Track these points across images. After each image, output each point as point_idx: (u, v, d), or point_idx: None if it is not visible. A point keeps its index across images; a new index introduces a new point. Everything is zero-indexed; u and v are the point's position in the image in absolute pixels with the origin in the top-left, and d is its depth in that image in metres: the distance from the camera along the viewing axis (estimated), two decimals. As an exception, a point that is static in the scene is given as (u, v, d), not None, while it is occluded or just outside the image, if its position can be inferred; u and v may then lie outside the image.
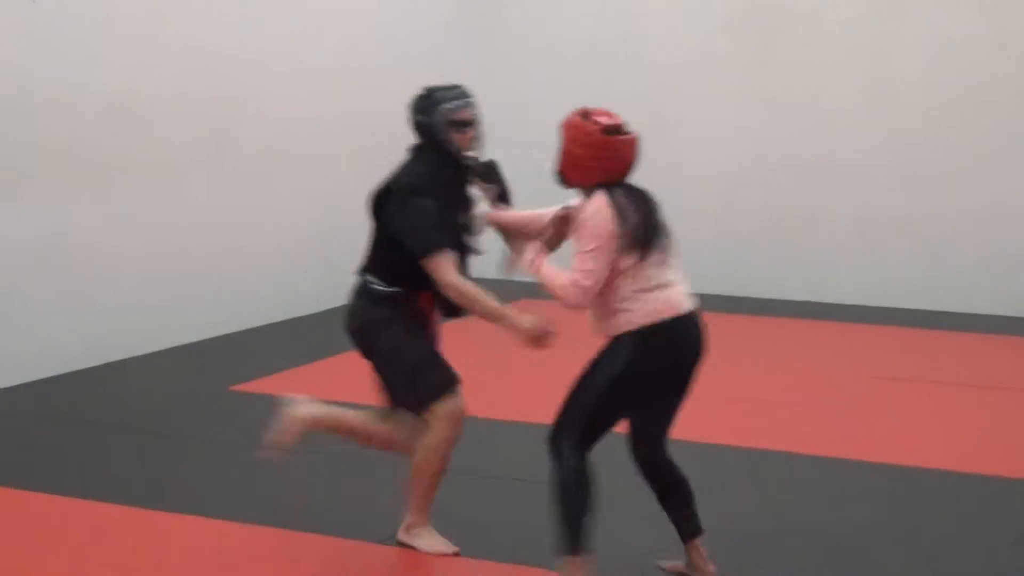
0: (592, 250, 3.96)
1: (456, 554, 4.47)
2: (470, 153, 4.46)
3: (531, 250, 4.18)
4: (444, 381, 4.37)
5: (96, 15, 7.47)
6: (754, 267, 10.30)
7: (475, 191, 4.53)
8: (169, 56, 8.04)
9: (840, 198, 10.08)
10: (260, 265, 8.97)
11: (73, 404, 6.67)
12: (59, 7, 7.21)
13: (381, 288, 4.39)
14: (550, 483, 4.07)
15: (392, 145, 11.16)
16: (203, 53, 8.31)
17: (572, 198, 4.19)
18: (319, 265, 9.52)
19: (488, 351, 8.17)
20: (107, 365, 7.48)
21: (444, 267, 4.26)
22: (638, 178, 4.17)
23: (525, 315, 4.23)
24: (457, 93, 4.45)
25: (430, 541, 4.49)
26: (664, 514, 4.29)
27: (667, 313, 3.97)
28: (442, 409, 4.34)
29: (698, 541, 4.26)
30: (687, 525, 4.25)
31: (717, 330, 9.17)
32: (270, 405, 6.63)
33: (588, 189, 4.05)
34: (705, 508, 4.73)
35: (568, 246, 4.16)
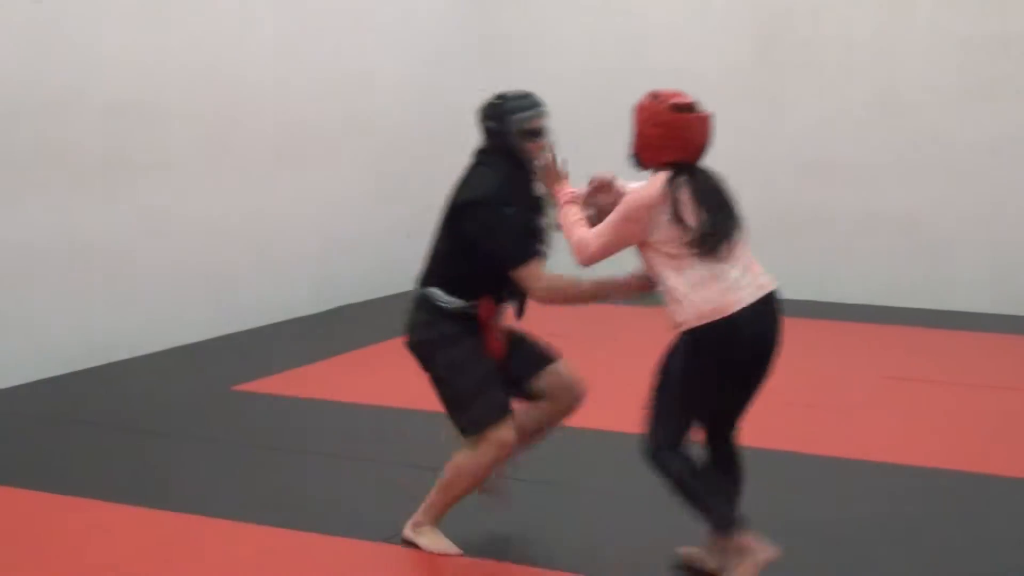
0: (616, 220, 4.00)
1: (460, 555, 4.46)
2: (540, 163, 4.41)
3: (574, 205, 4.19)
4: (496, 409, 4.33)
5: (97, 15, 7.47)
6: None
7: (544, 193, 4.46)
8: (170, 57, 8.03)
9: (841, 197, 10.08)
10: (261, 265, 8.97)
11: (74, 404, 6.66)
12: (61, 7, 7.21)
13: (444, 303, 4.36)
14: (669, 491, 4.08)
15: (391, 146, 11.25)
16: (204, 54, 8.31)
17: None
18: (319, 265, 9.52)
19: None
20: (108, 365, 7.48)
21: (536, 275, 4.23)
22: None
23: (617, 276, 4.24)
24: (529, 102, 4.42)
25: (434, 540, 4.48)
26: (663, 516, 4.29)
27: (716, 315, 3.92)
28: (491, 436, 4.31)
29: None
30: None
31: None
32: (271, 405, 6.67)
33: (659, 170, 4.03)
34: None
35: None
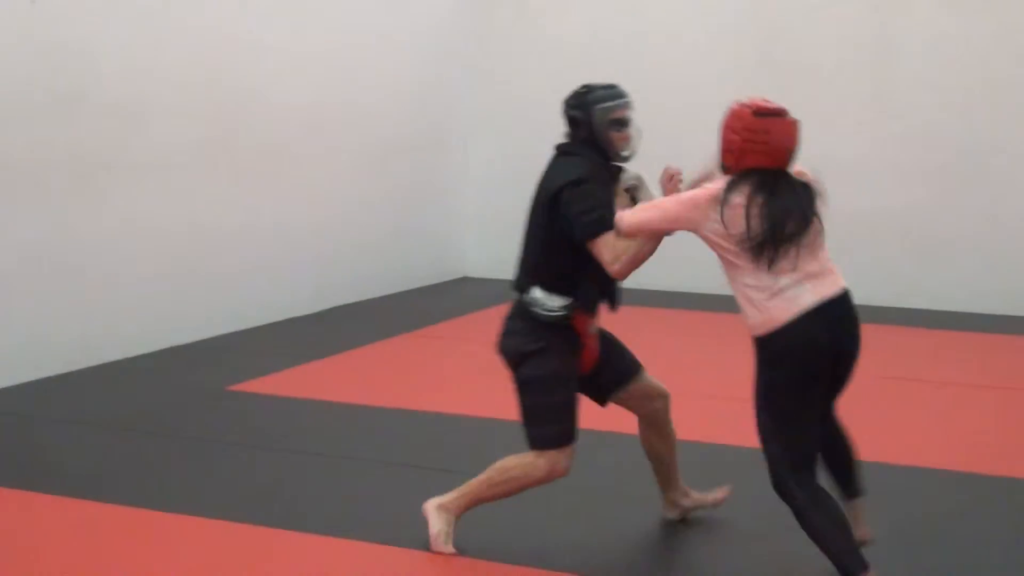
0: (664, 204, 4.05)
1: (453, 554, 4.44)
2: (625, 153, 4.43)
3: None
4: (561, 435, 4.36)
5: (95, 15, 7.46)
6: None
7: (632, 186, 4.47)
8: (167, 56, 8.03)
9: (841, 197, 10.04)
10: (256, 265, 8.96)
11: (71, 404, 6.65)
12: (58, 8, 7.20)
13: (543, 309, 4.34)
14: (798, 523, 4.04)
15: (388, 145, 11.23)
16: (202, 53, 8.30)
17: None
18: (315, 264, 9.52)
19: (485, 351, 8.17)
20: (105, 365, 7.47)
21: (607, 247, 4.19)
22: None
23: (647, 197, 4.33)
24: (615, 92, 4.43)
25: (441, 529, 4.45)
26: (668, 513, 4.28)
27: (777, 322, 3.93)
28: (549, 456, 4.35)
29: (857, 502, 4.34)
30: (847, 486, 4.36)
31: (718, 330, 9.20)
32: (266, 405, 6.66)
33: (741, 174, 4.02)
34: (706, 508, 4.74)
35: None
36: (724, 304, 9.63)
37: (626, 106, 4.42)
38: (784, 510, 4.98)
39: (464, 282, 11.33)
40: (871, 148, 10.03)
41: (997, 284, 9.71)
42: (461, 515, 4.51)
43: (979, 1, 9.72)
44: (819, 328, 3.96)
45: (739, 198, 3.93)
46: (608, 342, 4.63)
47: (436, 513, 4.49)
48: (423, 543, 4.51)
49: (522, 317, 4.41)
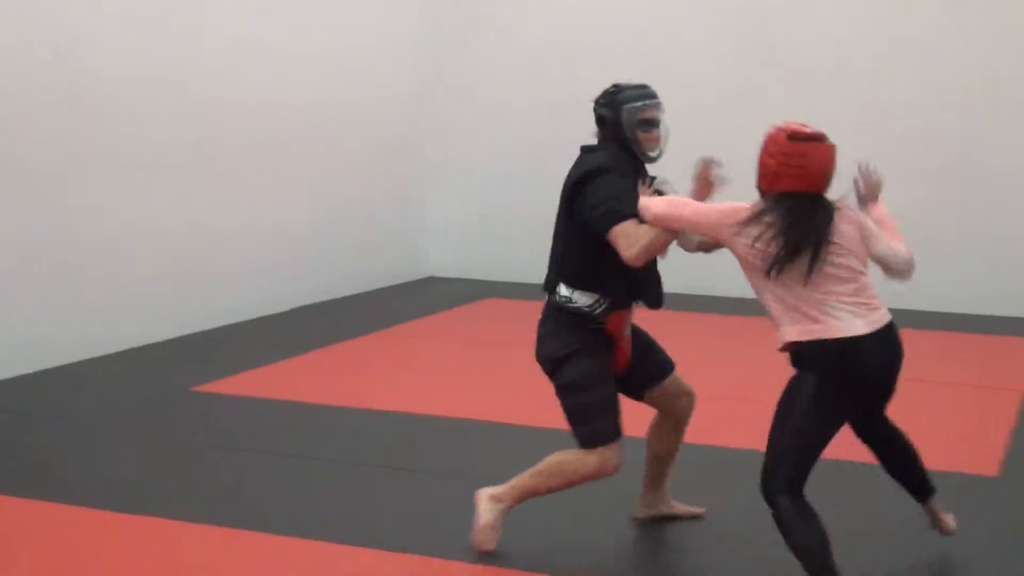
0: (697, 205, 4.07)
1: (490, 552, 4.43)
2: (652, 154, 4.45)
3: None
4: (607, 432, 4.37)
5: (95, 15, 7.46)
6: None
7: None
8: (167, 56, 8.03)
9: (840, 196, 10.05)
10: (257, 265, 8.96)
11: (40, 402, 6.61)
12: (55, 7, 7.20)
13: (572, 305, 4.34)
14: (781, 533, 4.01)
15: (381, 145, 11.20)
16: (202, 53, 8.31)
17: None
18: (277, 267, 9.33)
19: (485, 354, 8.16)
20: (66, 366, 7.38)
21: (623, 235, 4.17)
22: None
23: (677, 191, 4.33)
24: (644, 92, 4.46)
25: (489, 521, 4.44)
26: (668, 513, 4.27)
27: (811, 336, 3.94)
28: (599, 454, 4.35)
29: (933, 499, 4.38)
30: (917, 487, 4.40)
31: (718, 331, 9.17)
32: (231, 405, 6.57)
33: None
34: (706, 508, 4.73)
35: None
36: (725, 304, 9.65)
37: (656, 107, 4.44)
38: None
39: (431, 281, 11.19)
40: (871, 148, 9.99)
41: (997, 284, 9.70)
42: (513, 507, 4.49)
43: (979, 1, 9.71)
44: (878, 353, 4.07)
45: (766, 219, 3.93)
46: (642, 339, 4.63)
47: (488, 503, 4.47)
48: (387, 543, 4.50)
49: (553, 320, 4.42)
